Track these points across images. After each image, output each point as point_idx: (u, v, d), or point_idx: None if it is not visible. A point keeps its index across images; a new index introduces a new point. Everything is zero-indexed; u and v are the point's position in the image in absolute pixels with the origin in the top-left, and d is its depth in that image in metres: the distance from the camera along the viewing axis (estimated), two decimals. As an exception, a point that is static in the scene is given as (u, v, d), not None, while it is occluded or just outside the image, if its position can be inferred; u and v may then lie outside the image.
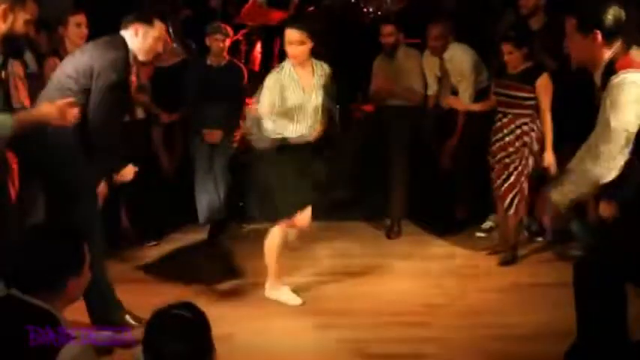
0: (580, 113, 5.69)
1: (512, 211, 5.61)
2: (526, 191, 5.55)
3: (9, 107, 3.98)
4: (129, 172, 4.57)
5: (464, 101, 6.09)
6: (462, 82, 6.10)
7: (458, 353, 4.20)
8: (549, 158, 5.45)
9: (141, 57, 4.37)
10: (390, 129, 6.34)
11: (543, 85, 5.45)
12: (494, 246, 5.90)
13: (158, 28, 4.35)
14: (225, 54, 6.25)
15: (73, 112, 3.88)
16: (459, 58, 6.11)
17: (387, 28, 6.32)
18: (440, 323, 4.62)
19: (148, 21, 4.32)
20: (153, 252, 5.93)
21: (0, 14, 3.78)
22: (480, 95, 6.07)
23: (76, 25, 5.43)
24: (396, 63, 6.36)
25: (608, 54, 3.47)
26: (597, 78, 3.56)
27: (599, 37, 3.45)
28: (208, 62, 6.24)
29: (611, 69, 3.45)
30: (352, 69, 7.05)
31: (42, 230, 2.62)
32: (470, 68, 6.08)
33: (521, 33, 5.57)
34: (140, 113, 6.10)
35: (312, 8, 7.72)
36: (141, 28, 4.31)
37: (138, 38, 4.31)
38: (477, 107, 5.99)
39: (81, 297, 2.74)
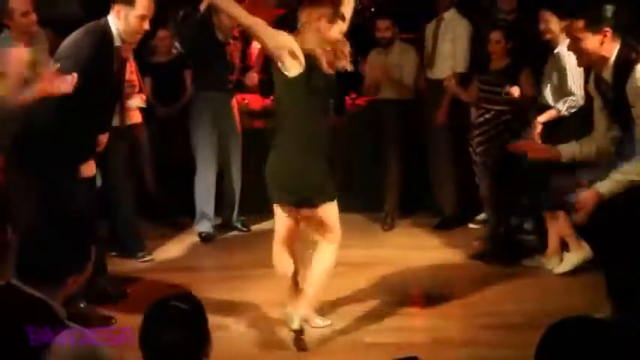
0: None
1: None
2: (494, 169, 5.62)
3: None
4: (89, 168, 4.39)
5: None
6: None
7: (450, 342, 4.25)
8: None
9: (127, 39, 4.24)
10: (382, 123, 6.39)
11: (524, 77, 5.54)
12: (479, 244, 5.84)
13: (141, 7, 4.15)
14: None
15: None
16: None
17: (384, 23, 6.39)
18: (432, 313, 4.69)
19: (129, 1, 4.15)
20: (150, 244, 5.86)
21: None
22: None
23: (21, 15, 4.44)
24: (391, 57, 6.42)
25: (615, 50, 3.56)
26: (607, 74, 3.62)
27: (609, 34, 3.53)
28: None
29: (624, 65, 3.52)
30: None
31: (54, 224, 2.56)
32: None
33: (510, 26, 5.66)
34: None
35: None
36: (122, 10, 4.16)
37: (120, 20, 4.16)
38: (463, 97, 5.91)
39: None
